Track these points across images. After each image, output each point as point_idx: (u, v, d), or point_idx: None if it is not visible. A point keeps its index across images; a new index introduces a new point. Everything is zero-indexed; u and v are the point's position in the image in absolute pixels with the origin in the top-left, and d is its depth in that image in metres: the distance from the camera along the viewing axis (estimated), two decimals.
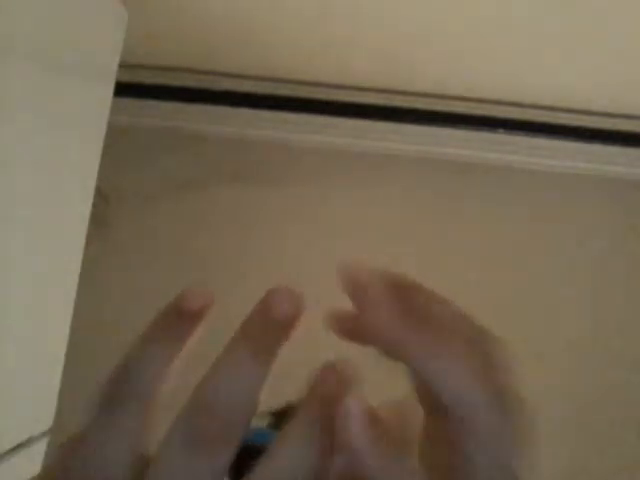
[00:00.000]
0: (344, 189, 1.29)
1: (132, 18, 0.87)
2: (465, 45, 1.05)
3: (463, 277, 1.18)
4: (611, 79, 1.10)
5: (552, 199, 1.28)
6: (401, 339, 0.21)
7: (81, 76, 0.77)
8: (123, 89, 0.94)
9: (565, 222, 1.27)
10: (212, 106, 1.28)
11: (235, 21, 1.04)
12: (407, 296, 0.21)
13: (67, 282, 0.81)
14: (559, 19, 0.93)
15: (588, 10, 0.91)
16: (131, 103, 1.25)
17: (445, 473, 0.21)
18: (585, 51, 1.02)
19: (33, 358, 0.76)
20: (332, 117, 1.27)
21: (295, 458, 0.20)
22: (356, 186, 1.29)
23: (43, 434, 0.78)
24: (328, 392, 0.20)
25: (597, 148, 1.25)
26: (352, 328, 0.23)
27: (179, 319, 0.21)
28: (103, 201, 1.12)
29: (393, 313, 0.21)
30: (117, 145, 0.91)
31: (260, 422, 0.28)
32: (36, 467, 0.74)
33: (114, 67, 0.86)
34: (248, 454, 0.20)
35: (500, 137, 1.26)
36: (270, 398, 0.23)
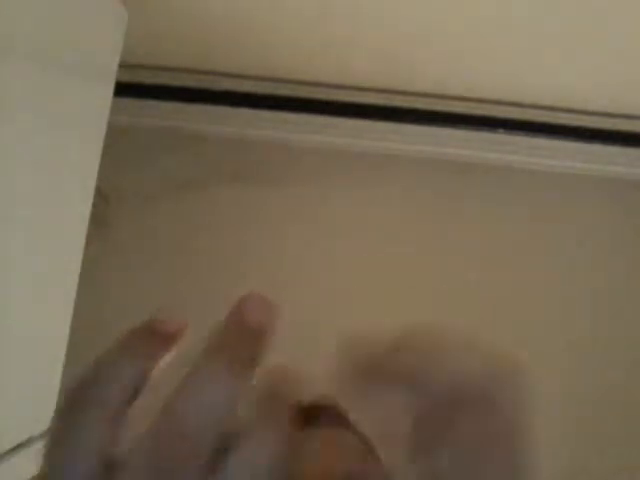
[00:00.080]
0: (344, 189, 1.29)
1: (132, 18, 0.87)
2: (465, 45, 1.05)
3: (463, 277, 1.19)
4: (611, 79, 1.10)
5: (552, 199, 1.28)
6: None
7: (81, 76, 0.77)
8: (123, 89, 0.94)
9: (565, 222, 1.26)
10: (212, 106, 1.28)
11: (235, 21, 1.04)
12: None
13: (67, 282, 0.81)
14: (559, 19, 0.93)
15: (588, 10, 0.91)
16: (131, 103, 1.25)
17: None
18: (585, 51, 1.02)
19: (33, 358, 0.76)
20: (332, 117, 1.27)
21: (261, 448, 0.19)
22: (356, 186, 1.29)
23: (43, 434, 0.78)
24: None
25: (597, 148, 1.25)
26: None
27: (153, 338, 0.21)
28: (103, 201, 1.12)
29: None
30: (117, 145, 0.91)
31: None
32: (36, 467, 0.74)
33: (114, 67, 0.86)
34: None
35: (500, 137, 1.26)
36: None
